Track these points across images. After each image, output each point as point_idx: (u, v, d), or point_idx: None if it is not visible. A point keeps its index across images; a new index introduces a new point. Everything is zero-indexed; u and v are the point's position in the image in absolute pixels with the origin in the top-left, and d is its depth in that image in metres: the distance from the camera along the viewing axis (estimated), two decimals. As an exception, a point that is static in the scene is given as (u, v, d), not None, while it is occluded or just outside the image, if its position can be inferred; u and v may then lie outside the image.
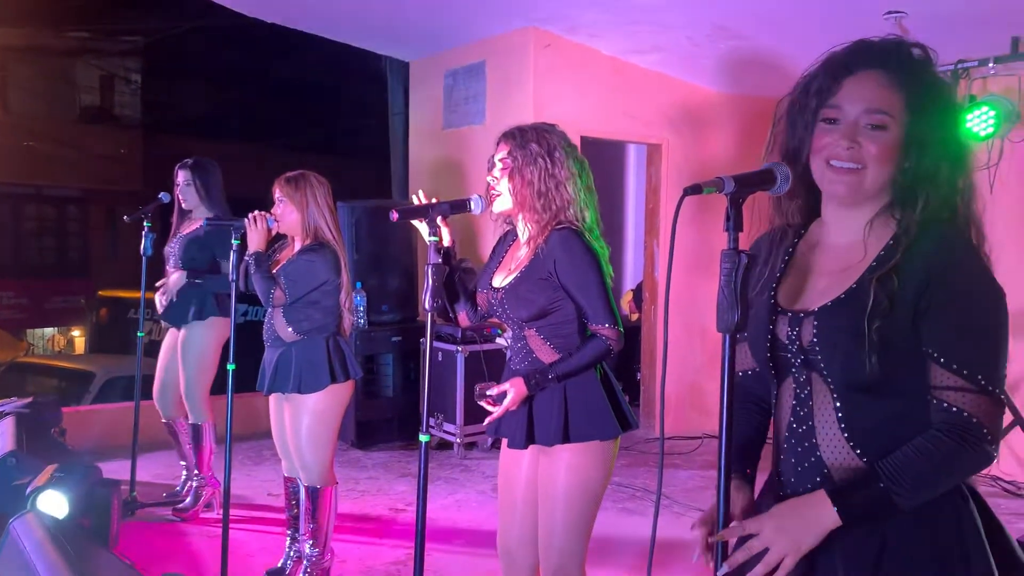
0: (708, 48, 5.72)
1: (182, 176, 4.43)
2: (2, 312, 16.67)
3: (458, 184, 6.18)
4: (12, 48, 16.72)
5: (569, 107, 5.75)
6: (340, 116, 16.27)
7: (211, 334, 4.41)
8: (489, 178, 2.52)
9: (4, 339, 14.62)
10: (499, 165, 2.49)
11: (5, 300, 16.93)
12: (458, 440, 5.61)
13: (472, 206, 2.44)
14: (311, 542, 3.51)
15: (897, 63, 1.44)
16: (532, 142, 2.45)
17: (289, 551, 3.67)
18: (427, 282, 2.28)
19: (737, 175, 1.35)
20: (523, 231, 2.52)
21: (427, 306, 2.29)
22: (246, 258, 3.38)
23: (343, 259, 3.48)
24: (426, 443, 2.30)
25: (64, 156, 16.59)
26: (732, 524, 1.41)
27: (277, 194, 3.47)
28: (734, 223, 1.32)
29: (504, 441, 2.57)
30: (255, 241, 3.37)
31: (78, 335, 16.82)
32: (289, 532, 3.69)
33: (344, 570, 3.71)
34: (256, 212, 3.43)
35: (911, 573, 1.39)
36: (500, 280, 2.54)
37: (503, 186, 2.48)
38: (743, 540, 1.40)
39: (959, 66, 4.81)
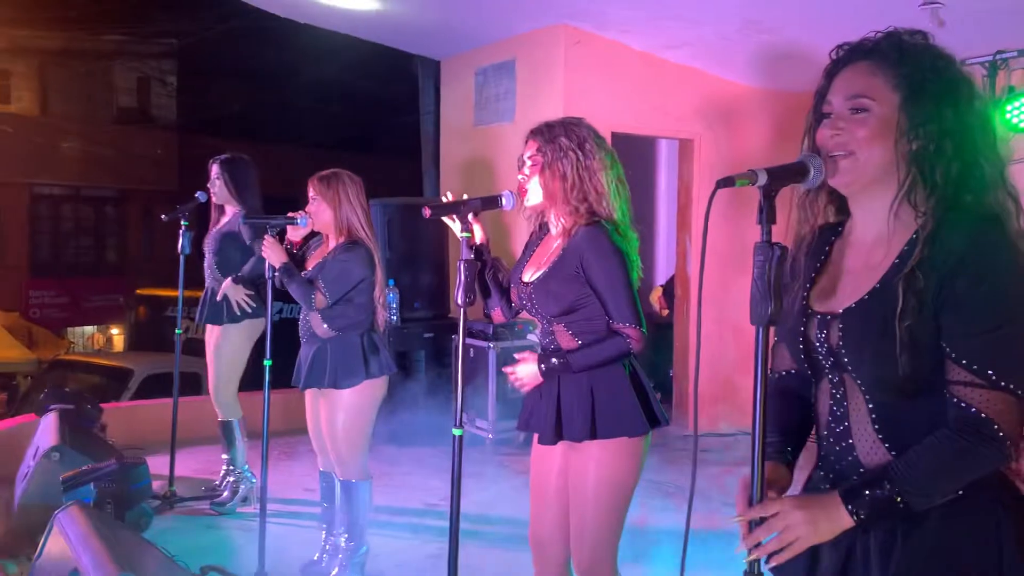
0: (739, 42, 5.68)
1: (214, 170, 4.52)
2: (43, 311, 17.01)
3: (489, 181, 6.20)
4: (51, 52, 17.06)
5: (600, 103, 5.75)
6: (372, 115, 16.38)
7: (245, 334, 4.48)
8: (520, 176, 2.54)
9: (46, 337, 14.92)
10: (528, 162, 2.50)
11: (46, 299, 17.28)
12: (490, 436, 5.63)
13: (503, 202, 2.45)
14: (346, 536, 3.55)
15: (883, 51, 1.44)
16: (561, 136, 2.45)
17: (325, 545, 3.71)
18: (459, 278, 2.30)
19: (770, 168, 1.35)
20: (555, 225, 2.53)
21: (460, 302, 2.31)
22: (276, 273, 3.41)
23: (377, 256, 3.51)
24: (459, 437, 2.32)
25: (102, 157, 16.90)
26: (756, 505, 1.40)
27: (311, 192, 3.51)
28: (767, 216, 1.32)
29: (536, 435, 2.59)
30: (274, 257, 3.40)
31: (117, 333, 17.11)
32: (324, 526, 3.74)
33: (379, 564, 3.74)
34: (291, 213, 3.48)
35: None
36: (530, 275, 2.55)
37: (534, 183, 2.49)
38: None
39: (997, 57, 4.72)
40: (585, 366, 2.40)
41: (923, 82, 1.41)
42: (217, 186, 4.49)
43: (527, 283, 2.53)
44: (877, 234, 1.46)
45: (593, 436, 2.40)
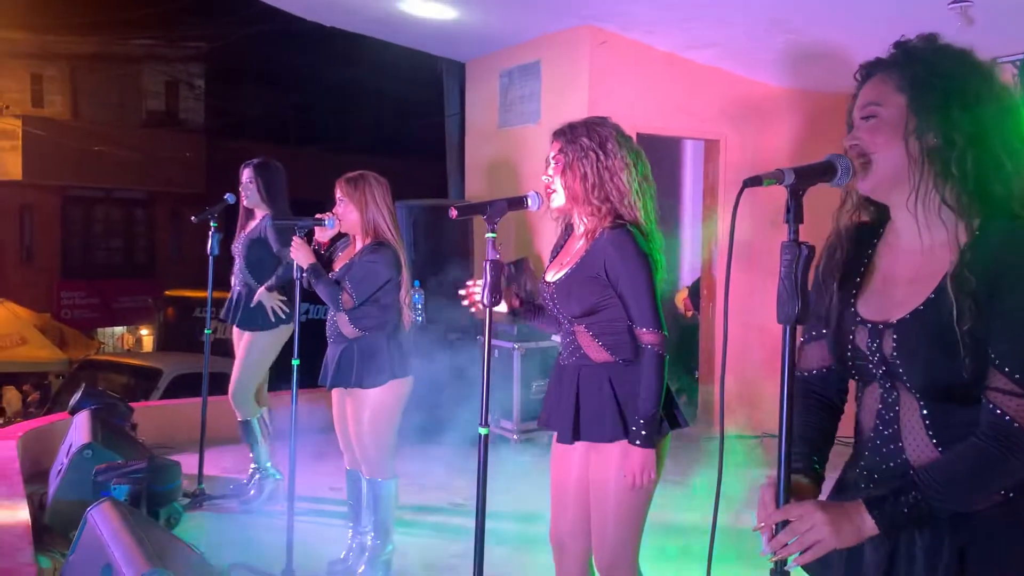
0: (766, 42, 5.65)
1: (246, 174, 4.56)
2: (74, 311, 17.26)
3: (514, 183, 6.22)
4: (82, 56, 17.32)
5: (625, 104, 5.74)
6: (397, 117, 16.45)
7: (277, 340, 4.54)
8: (544, 177, 2.55)
9: (76, 338, 15.14)
10: (552, 163, 2.52)
11: (77, 300, 17.53)
12: (515, 437, 5.64)
13: (529, 203, 2.45)
14: (372, 534, 3.58)
15: (891, 59, 1.48)
16: (583, 136, 2.46)
17: (351, 543, 3.74)
18: (485, 278, 2.31)
19: (797, 167, 1.35)
20: (579, 225, 2.54)
21: (485, 302, 2.32)
22: (304, 275, 3.45)
23: (403, 257, 3.54)
24: (485, 435, 2.33)
25: (131, 160, 17.12)
26: (779, 509, 1.41)
27: (338, 194, 3.54)
28: (794, 215, 1.33)
29: (555, 435, 2.60)
30: (302, 258, 3.43)
31: (146, 334, 17.32)
32: (351, 524, 3.77)
33: (405, 563, 3.77)
34: (318, 215, 3.52)
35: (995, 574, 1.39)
36: (553, 275, 2.56)
37: (557, 183, 2.51)
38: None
39: (1028, 56, 4.66)
40: (656, 404, 2.38)
41: (928, 80, 1.42)
42: (250, 190, 4.54)
43: (549, 283, 2.54)
44: (923, 240, 1.45)
45: (615, 437, 2.41)
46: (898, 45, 1.48)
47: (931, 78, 1.42)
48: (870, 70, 1.50)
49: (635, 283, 2.39)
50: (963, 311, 1.34)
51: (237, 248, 4.62)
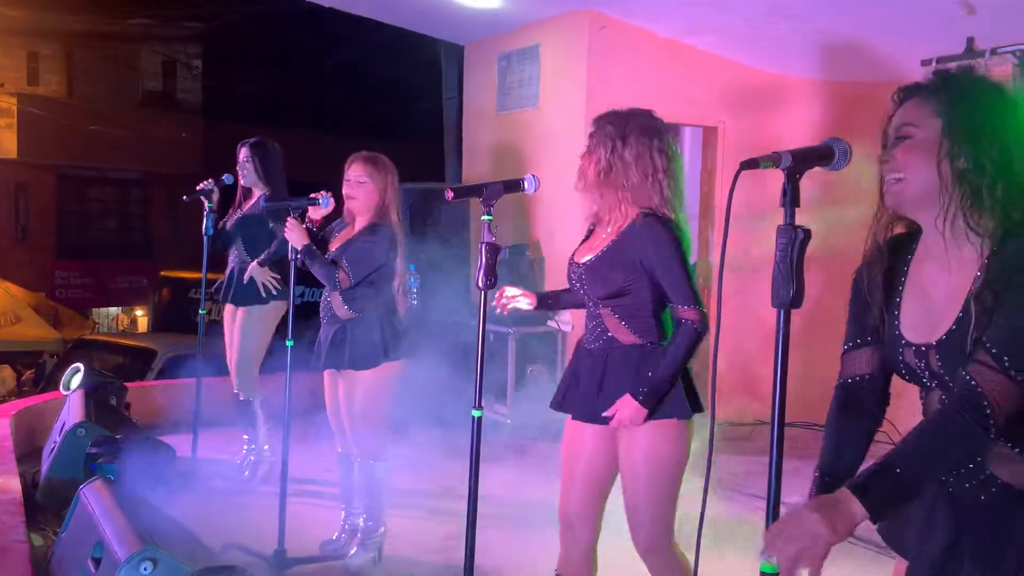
0: (766, 29, 5.63)
1: (243, 153, 4.54)
2: (68, 291, 17.23)
3: (512, 167, 6.19)
4: (78, 34, 17.21)
5: (624, 90, 5.71)
6: (395, 100, 16.39)
7: (270, 316, 4.52)
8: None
9: (71, 318, 15.10)
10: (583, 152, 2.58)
11: (72, 279, 17.49)
12: (508, 420, 5.65)
13: (526, 185, 2.46)
14: (364, 516, 3.58)
15: (930, 84, 1.56)
16: (608, 124, 2.53)
17: (344, 525, 3.75)
18: (480, 260, 2.31)
19: (795, 150, 1.35)
20: (603, 212, 2.58)
21: (480, 285, 2.32)
22: (298, 255, 3.42)
23: (400, 239, 3.52)
24: (478, 419, 2.34)
25: (127, 140, 17.04)
26: (774, 524, 1.43)
27: (356, 172, 3.49)
28: (791, 199, 1.32)
29: (568, 416, 2.63)
30: (296, 239, 3.41)
31: (141, 314, 17.30)
32: (343, 507, 3.77)
33: (397, 545, 3.78)
34: (313, 194, 3.49)
35: None
36: (582, 256, 2.60)
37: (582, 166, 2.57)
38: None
39: (1028, 47, 4.64)
40: (674, 373, 2.44)
41: (963, 107, 1.51)
42: (247, 169, 4.53)
43: (579, 264, 2.59)
44: (951, 257, 1.53)
45: (647, 418, 2.44)
46: (938, 73, 1.57)
47: (966, 106, 1.51)
48: (908, 93, 1.58)
49: (671, 266, 2.44)
50: (978, 326, 1.44)
51: (229, 223, 4.60)
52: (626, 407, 2.43)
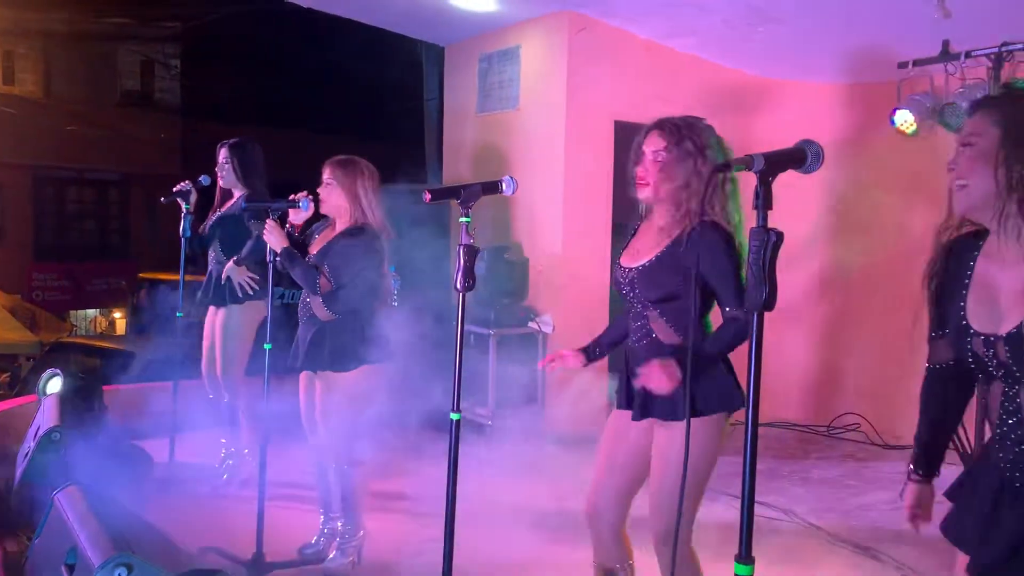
0: (746, 31, 5.65)
1: (222, 154, 4.51)
2: (45, 294, 17.02)
3: (493, 168, 6.19)
4: (55, 33, 17.00)
5: (603, 91, 5.72)
6: (375, 101, 16.33)
7: (249, 316, 4.48)
8: (640, 168, 2.60)
9: (48, 320, 14.93)
10: (650, 156, 2.59)
11: (49, 281, 17.29)
12: (489, 423, 5.64)
13: (504, 187, 2.46)
14: (343, 520, 3.56)
15: (994, 99, 1.74)
16: (688, 139, 2.57)
17: (322, 528, 3.73)
18: (458, 262, 2.31)
19: (767, 153, 1.35)
20: (662, 217, 2.60)
21: (459, 287, 2.32)
22: (276, 258, 3.40)
23: (382, 242, 3.51)
24: (456, 421, 2.33)
25: (105, 140, 16.86)
26: None
27: (326, 176, 3.50)
28: (763, 201, 1.33)
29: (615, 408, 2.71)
30: (275, 242, 3.39)
31: (119, 317, 17.12)
32: (322, 510, 3.75)
33: (376, 547, 3.76)
34: (296, 194, 3.48)
35: None
36: (631, 260, 2.63)
37: (654, 178, 2.57)
38: (963, 485, 1.78)
39: (1003, 49, 4.69)
40: (711, 352, 2.49)
41: (1020, 118, 1.66)
42: (226, 170, 4.49)
43: (628, 268, 2.61)
44: (1013, 254, 1.68)
45: (694, 414, 2.46)
46: (1005, 86, 1.77)
47: (1023, 117, 1.66)
48: (978, 104, 1.75)
49: (727, 273, 2.47)
50: None
51: (207, 226, 4.57)
52: (657, 368, 2.42)
